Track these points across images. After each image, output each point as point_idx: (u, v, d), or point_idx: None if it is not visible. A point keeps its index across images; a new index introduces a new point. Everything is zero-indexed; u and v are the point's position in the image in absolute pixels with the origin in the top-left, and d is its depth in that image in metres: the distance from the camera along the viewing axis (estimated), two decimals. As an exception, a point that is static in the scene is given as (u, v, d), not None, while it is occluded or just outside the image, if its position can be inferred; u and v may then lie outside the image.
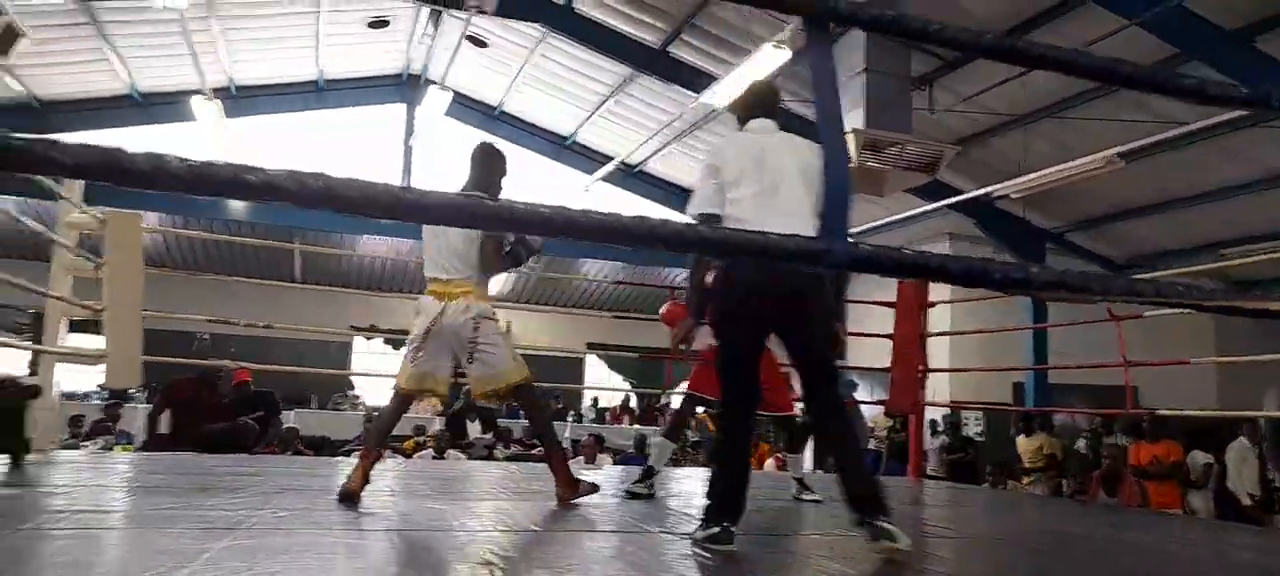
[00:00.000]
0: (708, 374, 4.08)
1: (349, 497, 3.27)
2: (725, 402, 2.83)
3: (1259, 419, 8.72)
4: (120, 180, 0.78)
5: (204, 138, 10.48)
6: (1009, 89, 7.86)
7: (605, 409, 13.12)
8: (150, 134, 11.29)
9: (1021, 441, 9.43)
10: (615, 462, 8.47)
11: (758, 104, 3.07)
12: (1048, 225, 11.12)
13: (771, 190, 2.76)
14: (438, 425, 9.72)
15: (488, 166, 3.76)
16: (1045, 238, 11.13)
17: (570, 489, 3.51)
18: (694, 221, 2.64)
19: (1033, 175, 8.04)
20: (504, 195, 3.65)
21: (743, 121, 3.06)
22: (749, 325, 2.80)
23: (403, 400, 3.64)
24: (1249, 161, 8.49)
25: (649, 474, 4.04)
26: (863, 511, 2.56)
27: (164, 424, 6.84)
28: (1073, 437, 10.14)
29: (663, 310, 4.48)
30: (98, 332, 5.01)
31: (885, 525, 2.51)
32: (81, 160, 0.77)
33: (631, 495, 3.90)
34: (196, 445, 6.38)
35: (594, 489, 3.61)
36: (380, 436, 3.71)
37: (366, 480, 3.37)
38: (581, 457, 8.12)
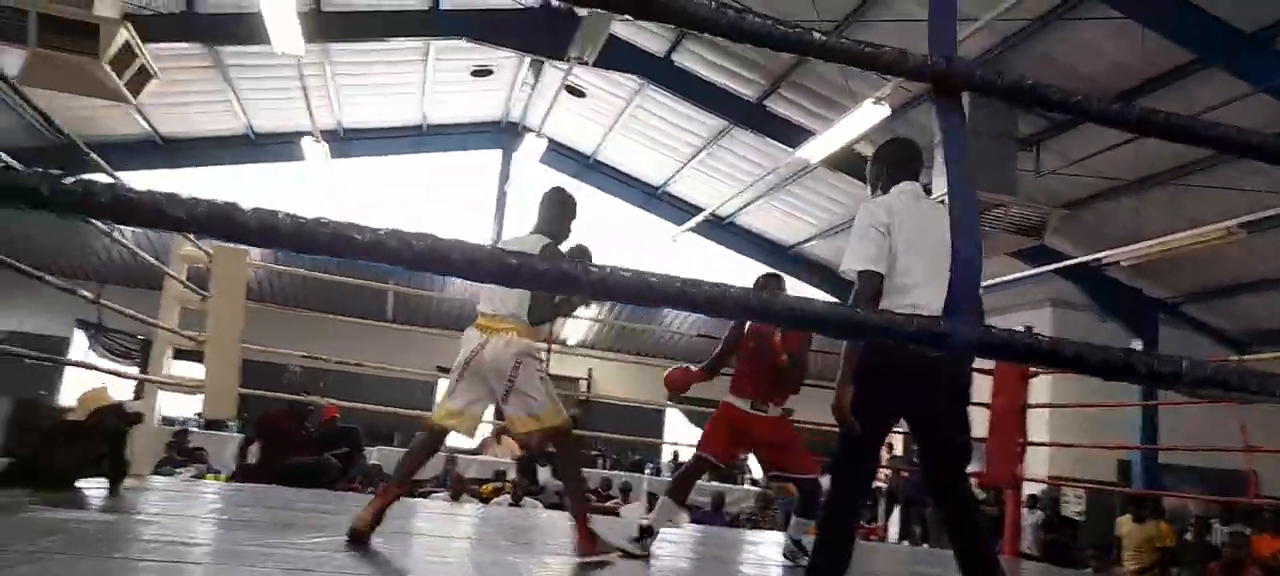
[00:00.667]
0: (718, 431, 3.96)
1: (357, 538, 3.12)
2: (842, 484, 2.59)
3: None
4: (229, 235, 0.78)
5: (312, 176, 10.90)
6: (1121, 153, 7.52)
7: (684, 464, 12.94)
8: (262, 171, 11.82)
9: (1131, 526, 8.82)
10: (692, 520, 8.29)
11: (907, 162, 2.77)
12: (1160, 295, 10.55)
13: (941, 267, 2.39)
14: (514, 471, 9.73)
15: (560, 210, 3.69)
16: (1158, 307, 10.55)
17: (589, 544, 3.35)
18: (855, 274, 2.48)
19: (1146, 243, 7.63)
20: (571, 239, 3.66)
21: (891, 180, 2.73)
22: (883, 410, 2.54)
23: (434, 437, 3.52)
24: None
25: (646, 532, 3.73)
26: None
27: (253, 454, 7.01)
28: (1182, 525, 9.47)
29: (667, 374, 4.27)
30: (199, 362, 5.18)
31: None
32: (195, 215, 0.76)
33: (626, 554, 3.64)
34: (280, 477, 6.51)
35: (613, 549, 3.47)
36: (405, 475, 3.57)
37: (379, 520, 3.22)
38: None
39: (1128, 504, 9.10)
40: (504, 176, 12.97)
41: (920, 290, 2.45)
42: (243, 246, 5.54)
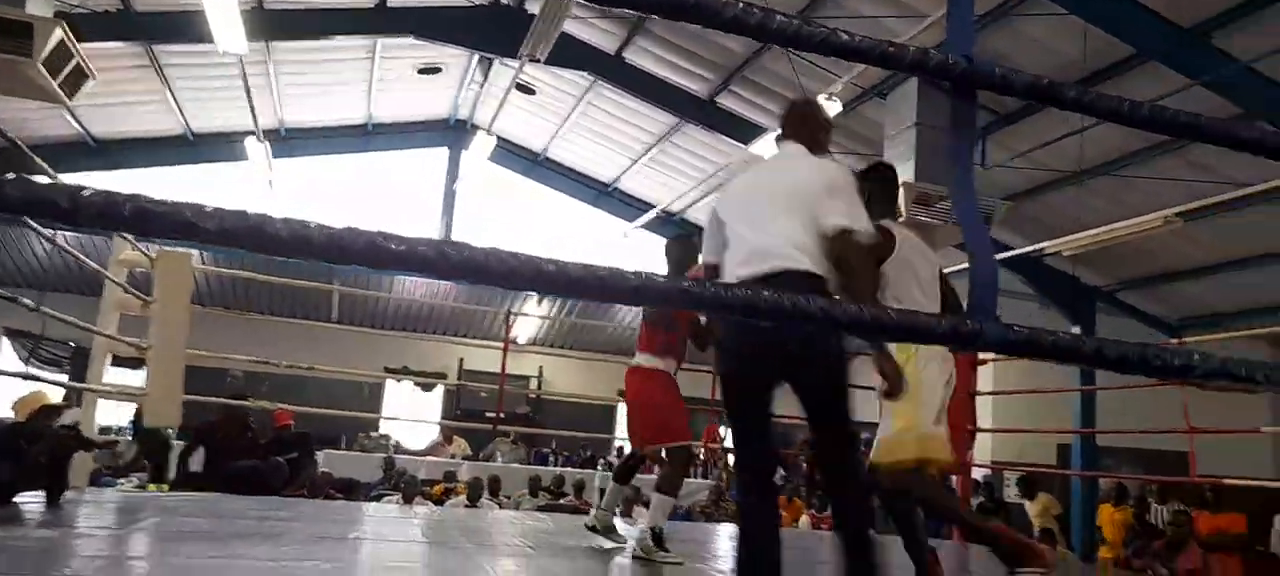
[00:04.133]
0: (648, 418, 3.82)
1: None
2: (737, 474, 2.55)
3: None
4: (262, 248, 0.75)
5: (253, 177, 10.61)
6: (1064, 145, 7.70)
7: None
8: (201, 173, 11.48)
9: (1041, 500, 9.09)
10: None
11: (787, 123, 2.68)
12: (1098, 282, 10.85)
13: (743, 230, 2.44)
14: (465, 470, 9.60)
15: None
16: (1095, 295, 10.85)
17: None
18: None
19: (1088, 232, 7.83)
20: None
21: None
22: (731, 390, 2.47)
23: None
24: (1312, 225, 8.23)
25: (658, 537, 3.67)
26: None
27: (196, 462, 6.82)
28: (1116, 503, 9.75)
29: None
30: (135, 369, 5.00)
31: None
32: (227, 227, 0.73)
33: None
34: (226, 483, 6.34)
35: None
36: None
37: None
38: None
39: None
40: (452, 175, 12.81)
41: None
42: (188, 251, 5.38)
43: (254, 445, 7.33)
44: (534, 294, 11.70)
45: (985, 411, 8.27)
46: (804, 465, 13.18)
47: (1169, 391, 4.92)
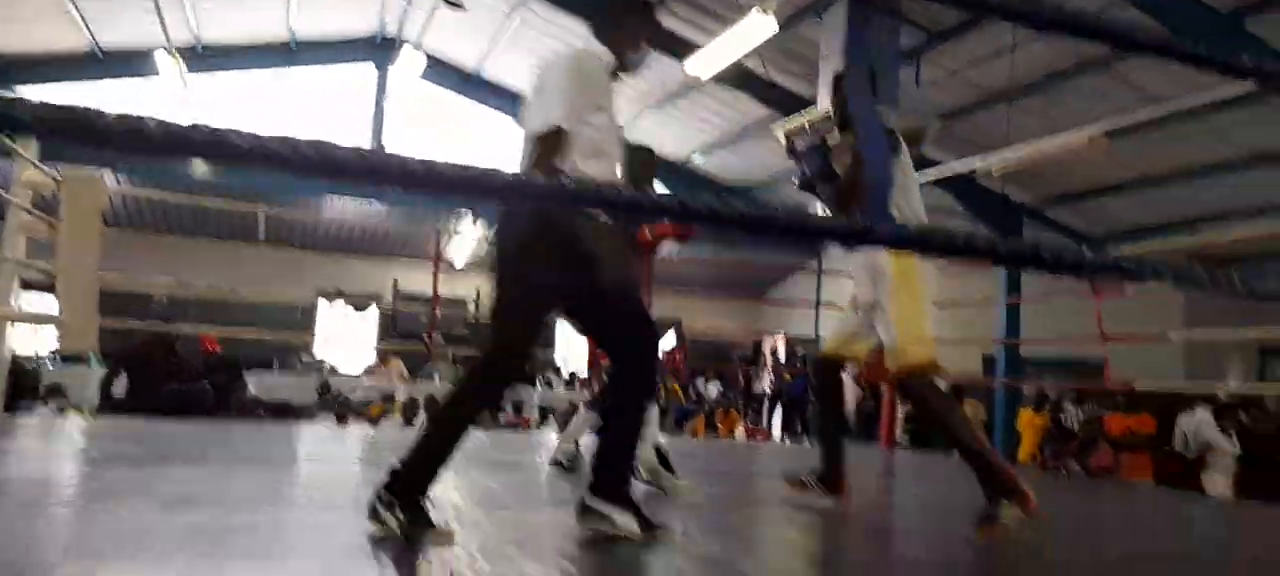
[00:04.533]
0: None
1: None
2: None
3: (1225, 393, 8.82)
4: (89, 141, 0.67)
5: (167, 94, 10.13)
6: (995, 64, 7.78)
7: (573, 375, 12.98)
8: (111, 90, 10.91)
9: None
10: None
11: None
12: (1026, 200, 11.11)
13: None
14: (402, 392, 9.54)
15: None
16: (1022, 212, 11.12)
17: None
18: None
19: (1017, 149, 7.98)
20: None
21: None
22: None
23: None
24: (1232, 143, 8.48)
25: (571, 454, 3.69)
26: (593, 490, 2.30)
27: (119, 388, 6.65)
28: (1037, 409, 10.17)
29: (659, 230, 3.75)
30: (51, 293, 4.81)
31: (604, 510, 2.25)
32: (45, 117, 0.66)
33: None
34: (152, 409, 6.21)
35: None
36: None
37: None
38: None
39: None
40: (381, 92, 12.40)
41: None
42: (96, 174, 5.14)
43: (179, 370, 7.16)
44: (468, 214, 11.52)
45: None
46: (741, 379, 13.48)
47: (1088, 302, 5.10)
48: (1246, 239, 6.88)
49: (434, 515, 2.16)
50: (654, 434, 3.43)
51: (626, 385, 2.36)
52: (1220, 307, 9.35)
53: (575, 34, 10.45)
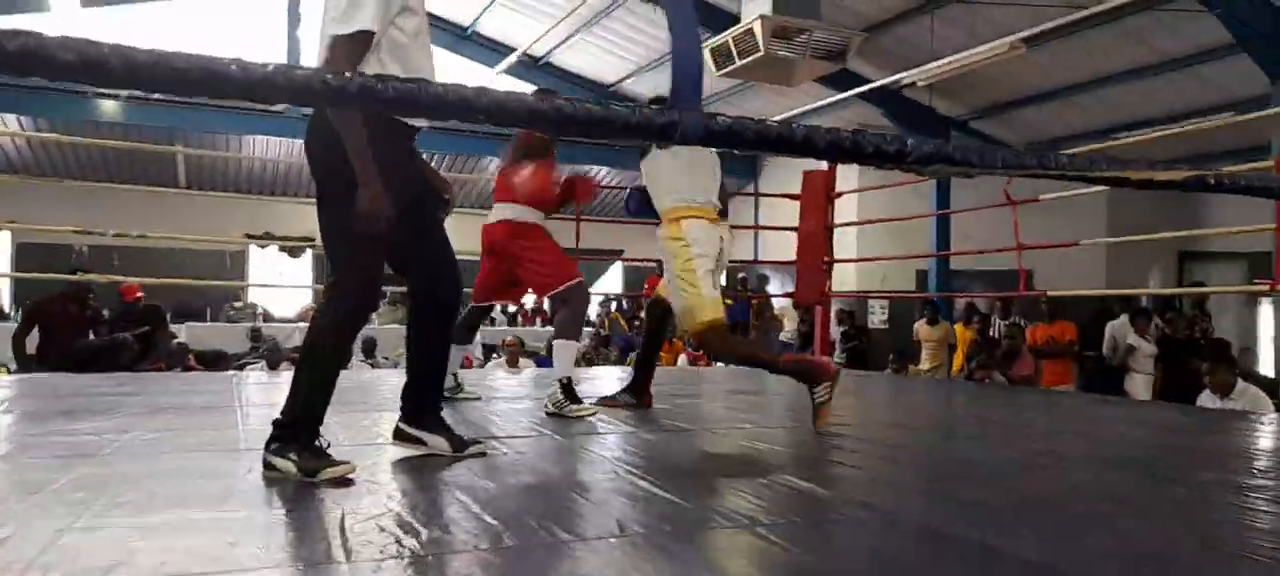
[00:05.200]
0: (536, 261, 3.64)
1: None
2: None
3: (1143, 296, 9.16)
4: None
5: (58, 30, 9.59)
6: (918, -27, 7.75)
7: (515, 312, 12.94)
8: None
9: (927, 330, 9.70)
10: (537, 365, 8.37)
11: None
12: (954, 113, 11.22)
13: None
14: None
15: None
16: (950, 125, 11.24)
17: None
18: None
19: (940, 62, 8.02)
20: None
21: None
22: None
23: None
24: (1146, 46, 8.64)
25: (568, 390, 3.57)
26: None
27: (31, 343, 6.44)
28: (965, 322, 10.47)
29: (584, 184, 3.89)
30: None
31: (415, 432, 2.45)
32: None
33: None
34: (70, 364, 6.02)
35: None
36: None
37: None
38: (505, 360, 7.93)
39: (923, 310, 9.97)
40: (293, 21, 11.90)
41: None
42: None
43: (95, 321, 6.95)
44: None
45: (849, 243, 8.57)
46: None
47: (1013, 210, 5.19)
48: (1155, 141, 7.05)
49: (331, 451, 2.13)
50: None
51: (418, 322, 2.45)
52: (1140, 213, 9.64)
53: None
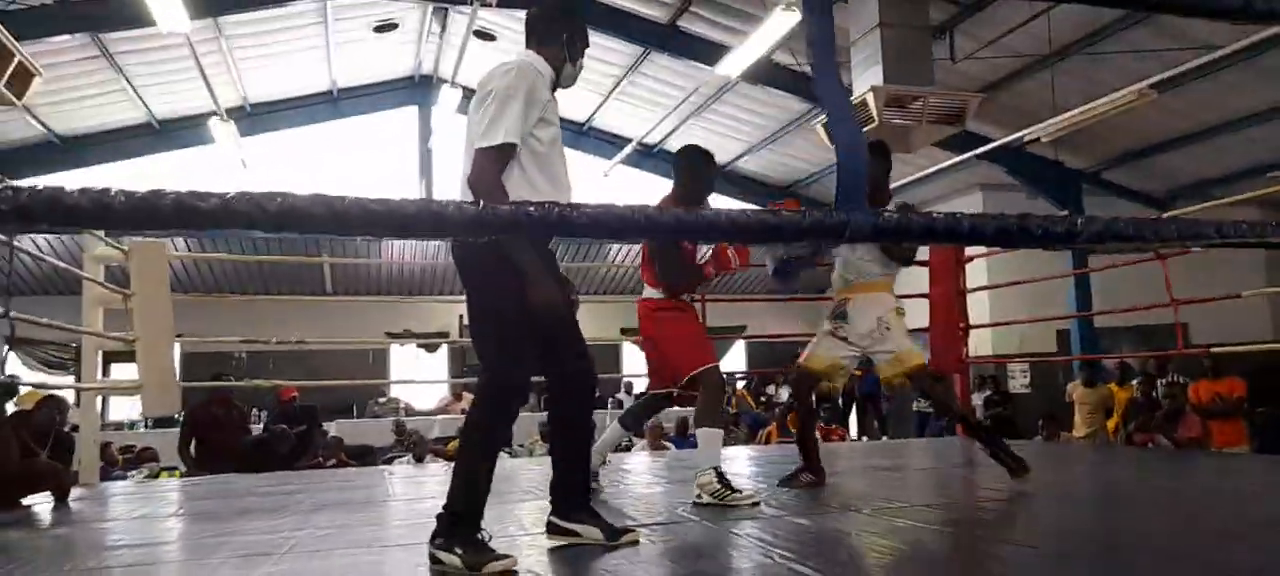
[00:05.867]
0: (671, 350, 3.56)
1: None
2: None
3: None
4: (67, 221, 0.73)
5: (223, 158, 10.53)
6: (1033, 28, 7.61)
7: (642, 394, 13.02)
8: (171, 160, 11.37)
9: (1083, 391, 9.15)
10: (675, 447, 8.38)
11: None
12: (1082, 166, 10.82)
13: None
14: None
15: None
16: (1080, 178, 10.83)
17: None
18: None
19: (1063, 115, 7.78)
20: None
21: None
22: None
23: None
24: (1283, 83, 8.17)
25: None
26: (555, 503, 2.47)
27: (193, 448, 6.92)
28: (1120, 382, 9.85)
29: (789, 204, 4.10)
30: (134, 362, 5.02)
31: (568, 525, 2.40)
32: (19, 205, 0.72)
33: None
34: (232, 464, 6.43)
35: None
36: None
37: None
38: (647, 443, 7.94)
39: (1077, 371, 9.43)
40: (425, 133, 12.67)
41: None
42: (160, 241, 5.36)
43: (242, 420, 7.41)
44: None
45: (983, 308, 8.30)
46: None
47: (1159, 267, 4.94)
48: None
49: (492, 544, 2.21)
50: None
51: (562, 409, 2.49)
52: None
53: (605, 48, 10.57)
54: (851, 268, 3.71)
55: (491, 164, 2.23)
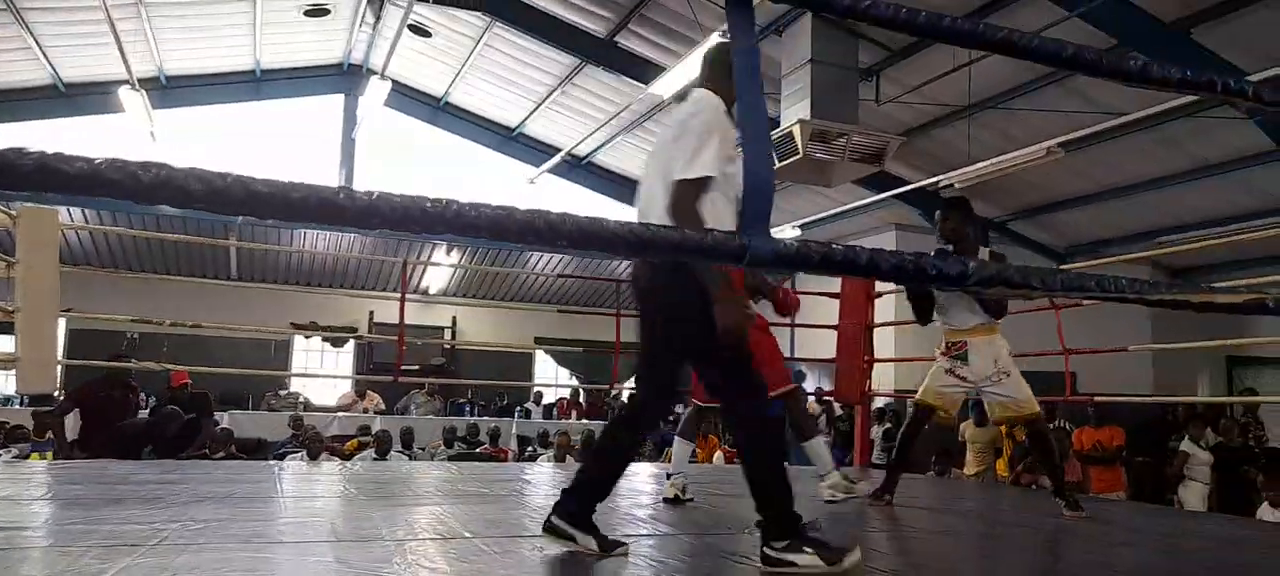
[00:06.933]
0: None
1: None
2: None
3: (1197, 404, 8.93)
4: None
5: (132, 129, 10.06)
6: (954, 79, 7.89)
7: (552, 404, 12.95)
8: (76, 126, 10.83)
9: (974, 431, 9.47)
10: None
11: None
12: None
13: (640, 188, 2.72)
14: (379, 425, 9.48)
15: (967, 217, 4.14)
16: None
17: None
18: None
19: (977, 165, 8.09)
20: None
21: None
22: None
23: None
24: (1183, 153, 8.65)
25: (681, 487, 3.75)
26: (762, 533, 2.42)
27: (71, 428, 6.54)
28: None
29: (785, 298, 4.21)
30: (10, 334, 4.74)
31: (776, 553, 2.33)
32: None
33: (668, 502, 3.69)
34: (114, 448, 6.12)
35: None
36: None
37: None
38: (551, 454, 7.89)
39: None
40: (349, 123, 12.38)
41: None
42: (53, 208, 5.08)
43: (134, 406, 7.08)
44: (442, 244, 11.48)
45: (888, 343, 8.52)
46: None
47: (1053, 315, 5.17)
48: (1201, 248, 6.99)
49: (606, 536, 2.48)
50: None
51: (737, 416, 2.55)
52: (1185, 317, 9.48)
53: (540, 56, 10.53)
54: (955, 315, 4.10)
55: (692, 194, 2.37)
